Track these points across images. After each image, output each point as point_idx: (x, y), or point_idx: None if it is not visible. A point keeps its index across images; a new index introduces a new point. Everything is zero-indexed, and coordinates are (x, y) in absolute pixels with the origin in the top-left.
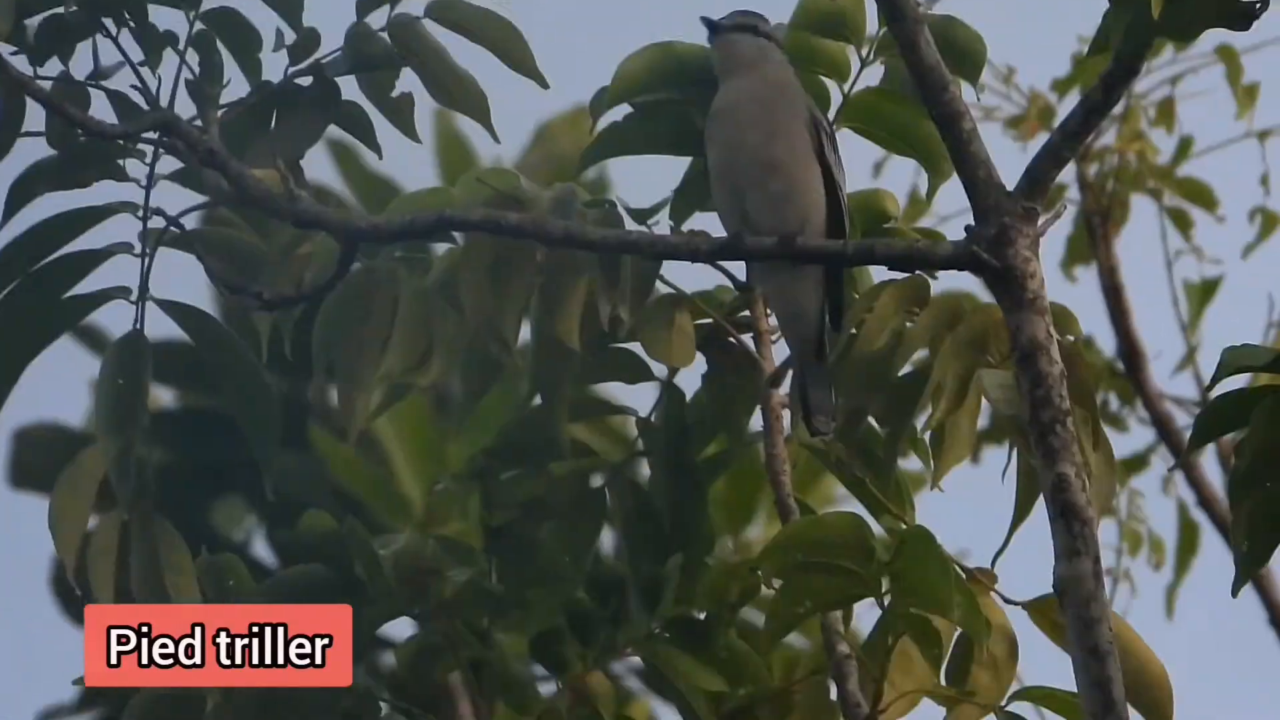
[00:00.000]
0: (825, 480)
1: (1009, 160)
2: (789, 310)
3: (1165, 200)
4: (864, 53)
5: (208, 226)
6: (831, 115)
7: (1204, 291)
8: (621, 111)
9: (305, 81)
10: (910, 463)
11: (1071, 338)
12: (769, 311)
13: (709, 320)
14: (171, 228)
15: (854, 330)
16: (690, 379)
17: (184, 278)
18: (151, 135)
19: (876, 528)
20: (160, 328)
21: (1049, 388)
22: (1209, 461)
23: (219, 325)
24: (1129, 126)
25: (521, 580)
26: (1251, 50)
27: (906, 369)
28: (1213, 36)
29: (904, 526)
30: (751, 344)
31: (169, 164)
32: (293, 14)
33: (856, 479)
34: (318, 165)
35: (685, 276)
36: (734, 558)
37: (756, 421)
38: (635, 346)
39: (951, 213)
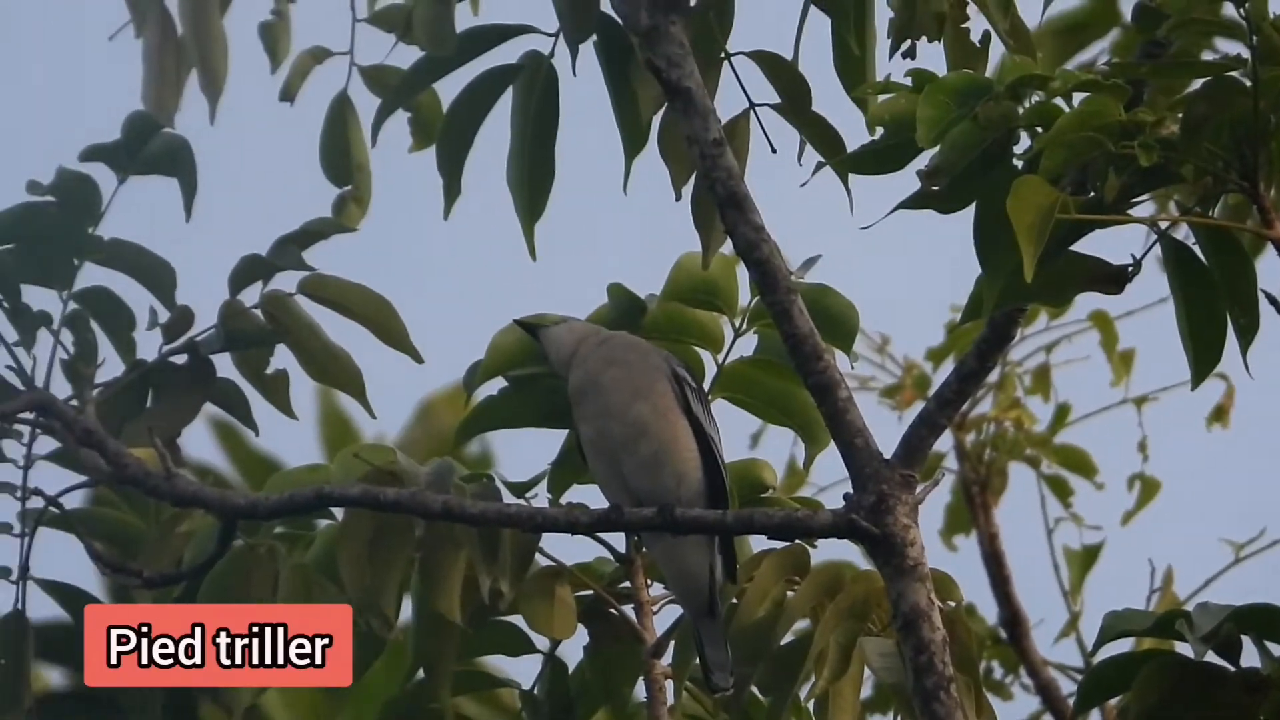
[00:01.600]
0: None
1: (886, 429)
2: (677, 571)
3: (1043, 468)
4: (737, 322)
5: (87, 506)
6: (706, 386)
7: (1085, 558)
8: (497, 386)
9: (180, 359)
10: None
11: (953, 604)
12: (649, 582)
13: (590, 592)
14: (50, 508)
15: (735, 600)
16: (573, 650)
17: (65, 556)
18: (28, 415)
19: None
20: (44, 608)
21: (931, 654)
22: None
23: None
24: (1005, 394)
25: None
26: (1126, 316)
27: (788, 638)
28: (1087, 302)
29: None
30: (633, 614)
31: (46, 444)
32: (166, 292)
33: None
34: (201, 443)
35: (565, 549)
36: None
37: (640, 692)
38: (517, 619)
39: (830, 482)
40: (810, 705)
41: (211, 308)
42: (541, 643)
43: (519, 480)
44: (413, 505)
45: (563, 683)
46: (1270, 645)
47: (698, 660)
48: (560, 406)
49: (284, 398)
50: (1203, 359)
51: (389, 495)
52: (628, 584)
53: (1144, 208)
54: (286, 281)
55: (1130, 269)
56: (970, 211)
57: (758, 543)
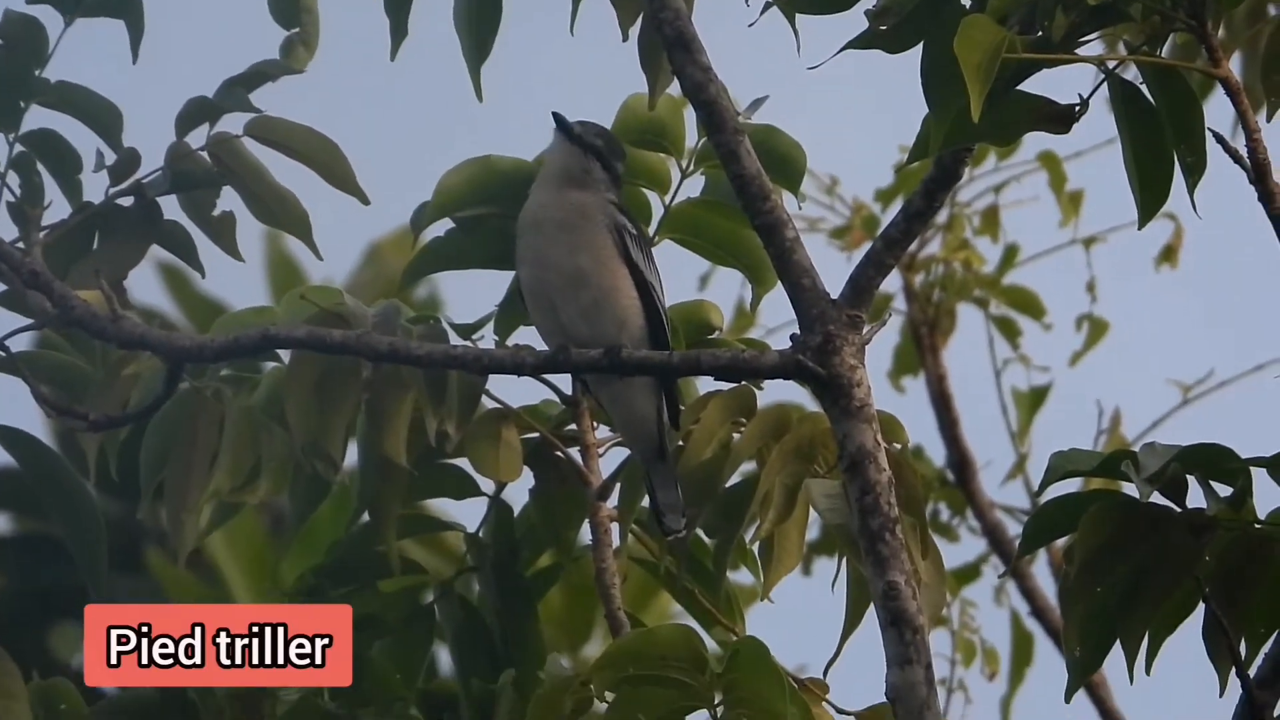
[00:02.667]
0: (661, 596)
1: (835, 271)
2: (626, 415)
3: (992, 309)
4: (684, 164)
5: (33, 349)
6: (653, 227)
7: (1033, 399)
8: (444, 227)
9: (127, 202)
10: (741, 575)
11: (899, 446)
12: (595, 425)
13: (536, 435)
14: None
15: (681, 442)
16: (518, 493)
17: (10, 400)
18: None
19: (709, 640)
20: None
21: (877, 495)
22: (1041, 571)
23: (45, 448)
24: (954, 236)
25: (353, 698)
26: (1074, 157)
27: (734, 480)
28: (1036, 143)
29: (735, 638)
30: (579, 458)
31: None
32: (112, 134)
33: (686, 591)
34: (148, 288)
35: (511, 391)
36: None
37: (585, 535)
38: (463, 462)
39: (778, 324)
40: (755, 547)
41: (158, 150)
42: (487, 486)
43: (466, 322)
44: (359, 347)
45: (508, 526)
46: (1216, 485)
47: (648, 503)
48: (507, 248)
49: (230, 240)
50: (1149, 198)
51: (335, 337)
52: (574, 427)
53: (1092, 47)
54: (233, 124)
55: (1078, 108)
56: (918, 51)
57: (704, 386)
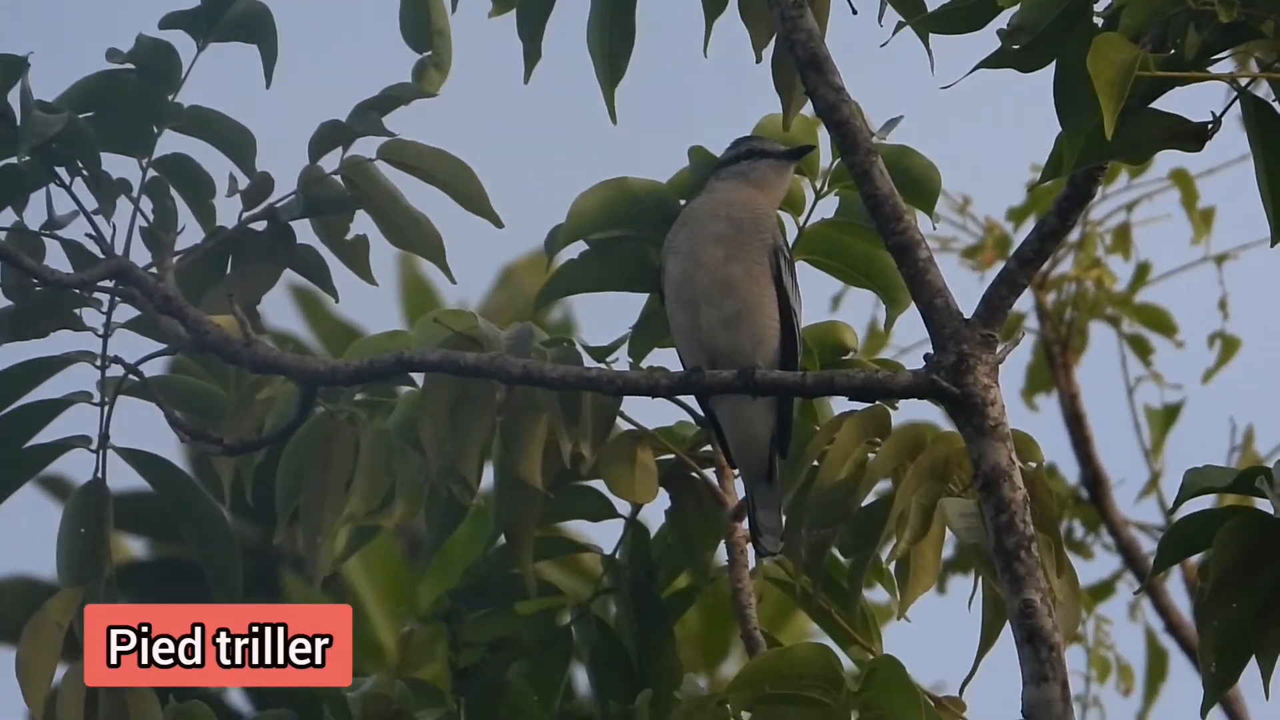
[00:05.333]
0: (797, 615)
1: (967, 290)
2: (741, 434)
3: (1124, 327)
4: (818, 185)
5: (167, 373)
6: None
7: (1166, 417)
8: (578, 249)
9: (260, 226)
10: (877, 593)
11: (1034, 464)
12: None
13: (671, 456)
14: (130, 376)
15: (816, 462)
16: (655, 515)
17: (145, 425)
18: (107, 283)
19: (846, 659)
20: (124, 476)
21: (1012, 514)
22: (1176, 587)
23: (180, 473)
24: (1086, 254)
25: None
26: (1206, 174)
27: (869, 499)
28: (1168, 161)
29: (872, 656)
30: (714, 478)
31: (126, 312)
32: (246, 159)
33: (822, 610)
34: (282, 312)
35: (646, 412)
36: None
37: (722, 555)
38: (598, 484)
39: (911, 344)
40: (891, 566)
41: (291, 174)
42: (623, 507)
43: (600, 344)
44: (492, 369)
45: (645, 547)
46: None
47: (748, 523)
48: (641, 270)
49: (364, 263)
50: None
51: (469, 360)
52: (709, 448)
53: (1224, 65)
54: (366, 147)
55: (1210, 126)
56: (1051, 70)
57: (839, 406)
